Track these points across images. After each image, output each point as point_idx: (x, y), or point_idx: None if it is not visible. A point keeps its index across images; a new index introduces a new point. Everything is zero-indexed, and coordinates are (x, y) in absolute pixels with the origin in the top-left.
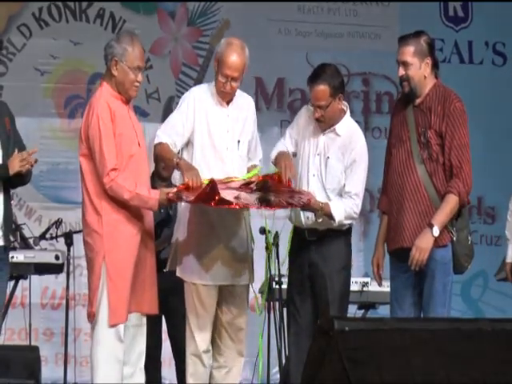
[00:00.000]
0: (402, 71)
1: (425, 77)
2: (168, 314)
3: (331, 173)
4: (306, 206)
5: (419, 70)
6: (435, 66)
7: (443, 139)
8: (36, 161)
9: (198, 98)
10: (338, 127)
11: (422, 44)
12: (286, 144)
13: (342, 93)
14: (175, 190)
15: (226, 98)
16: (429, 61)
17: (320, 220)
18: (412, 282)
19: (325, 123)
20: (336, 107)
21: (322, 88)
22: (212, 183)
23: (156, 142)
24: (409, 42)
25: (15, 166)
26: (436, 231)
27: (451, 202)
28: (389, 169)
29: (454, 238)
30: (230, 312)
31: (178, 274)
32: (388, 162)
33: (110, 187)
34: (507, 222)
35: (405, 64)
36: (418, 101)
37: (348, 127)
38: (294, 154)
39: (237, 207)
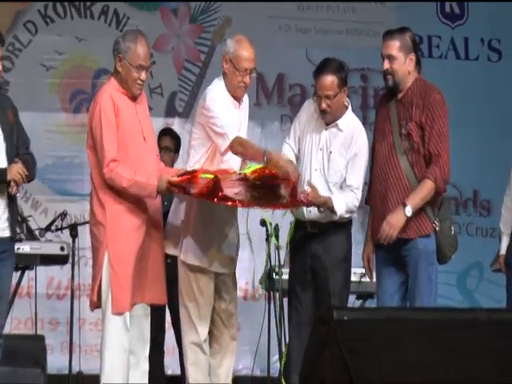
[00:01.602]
0: (386, 65)
1: (409, 72)
2: (171, 303)
3: (334, 167)
4: (306, 204)
5: (404, 65)
6: (418, 63)
7: (424, 130)
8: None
9: (224, 99)
10: (341, 122)
11: (407, 40)
12: (291, 145)
13: (347, 87)
14: (177, 179)
15: (242, 93)
16: (413, 57)
17: (322, 213)
18: (395, 271)
19: (330, 115)
20: (341, 100)
21: (331, 78)
22: (216, 179)
23: (232, 137)
24: (394, 37)
25: (13, 174)
26: (408, 211)
27: (426, 187)
28: (373, 163)
29: (437, 228)
30: (224, 299)
31: (182, 258)
32: (372, 156)
33: (109, 177)
34: (502, 215)
35: (390, 58)
36: (400, 95)
37: (350, 122)
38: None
39: (239, 205)
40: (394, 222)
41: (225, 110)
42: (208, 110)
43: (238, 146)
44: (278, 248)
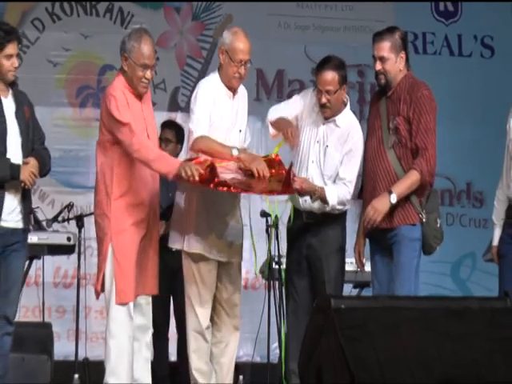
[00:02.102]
0: (378, 66)
1: (400, 70)
2: (175, 292)
3: (329, 161)
4: (300, 192)
5: (395, 64)
6: (407, 60)
7: (411, 125)
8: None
9: (214, 91)
10: (339, 119)
11: (397, 39)
12: (289, 110)
13: (346, 84)
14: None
15: (238, 83)
16: (403, 55)
17: (315, 203)
18: (388, 262)
19: (330, 110)
20: (341, 96)
21: (332, 74)
22: (212, 166)
23: (196, 135)
24: (385, 38)
25: (25, 175)
26: (393, 198)
27: (412, 177)
28: (364, 157)
29: (424, 220)
30: (227, 289)
31: (185, 248)
32: (364, 151)
33: (138, 149)
34: (494, 208)
35: (382, 59)
36: (389, 92)
37: (347, 120)
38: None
39: (234, 191)
40: (378, 207)
41: (205, 107)
42: (192, 105)
43: (200, 143)
44: (277, 233)
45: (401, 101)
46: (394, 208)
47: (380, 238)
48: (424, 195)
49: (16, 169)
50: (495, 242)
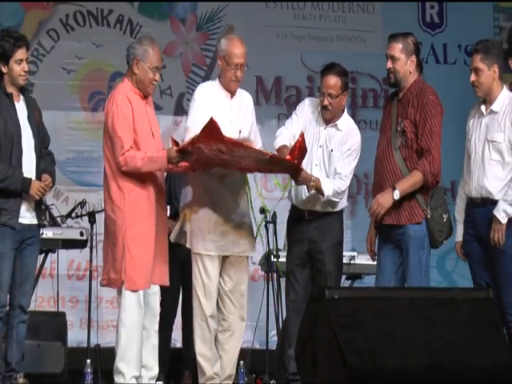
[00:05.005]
0: (389, 64)
1: (410, 72)
2: (185, 284)
3: (333, 163)
4: (297, 174)
5: (405, 66)
6: (419, 65)
7: (418, 128)
8: (51, 188)
9: (208, 92)
10: (340, 123)
11: (410, 43)
12: (292, 130)
13: (347, 92)
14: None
15: (235, 87)
16: (414, 59)
17: (312, 191)
18: (393, 254)
19: (330, 113)
20: (341, 101)
21: (336, 78)
22: (211, 120)
23: (190, 133)
24: (398, 40)
25: (34, 190)
26: (396, 194)
27: (415, 177)
28: (375, 156)
29: (428, 216)
30: (232, 281)
31: (187, 245)
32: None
33: (125, 163)
34: (456, 204)
35: (393, 58)
36: (400, 95)
37: (347, 123)
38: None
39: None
40: (381, 201)
41: (201, 108)
42: (190, 105)
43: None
44: (275, 228)
45: (409, 104)
46: (400, 206)
47: (388, 233)
48: (429, 193)
49: (27, 183)
50: (459, 238)
